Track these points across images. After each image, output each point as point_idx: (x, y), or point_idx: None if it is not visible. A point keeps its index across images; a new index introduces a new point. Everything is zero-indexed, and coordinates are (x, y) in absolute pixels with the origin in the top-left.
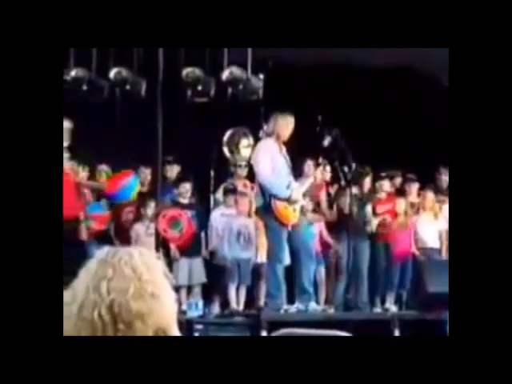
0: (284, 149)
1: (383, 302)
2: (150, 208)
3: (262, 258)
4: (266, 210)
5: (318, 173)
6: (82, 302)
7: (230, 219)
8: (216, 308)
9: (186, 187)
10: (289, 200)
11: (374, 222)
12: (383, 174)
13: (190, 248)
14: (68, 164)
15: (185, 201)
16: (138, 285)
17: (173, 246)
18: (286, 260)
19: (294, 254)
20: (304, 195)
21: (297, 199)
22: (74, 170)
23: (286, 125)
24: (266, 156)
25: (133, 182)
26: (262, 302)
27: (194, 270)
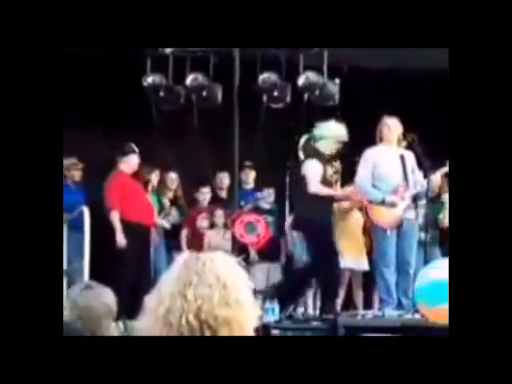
0: (400, 151)
1: None
2: (219, 216)
3: (343, 262)
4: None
5: None
6: (168, 308)
7: None
8: (292, 313)
9: (268, 193)
10: (384, 204)
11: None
12: None
13: (269, 253)
14: (142, 170)
15: (267, 206)
16: (222, 292)
17: (252, 250)
18: (390, 264)
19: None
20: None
21: (392, 203)
22: (144, 176)
23: (387, 127)
24: (365, 163)
25: None
26: (339, 306)
27: (271, 275)
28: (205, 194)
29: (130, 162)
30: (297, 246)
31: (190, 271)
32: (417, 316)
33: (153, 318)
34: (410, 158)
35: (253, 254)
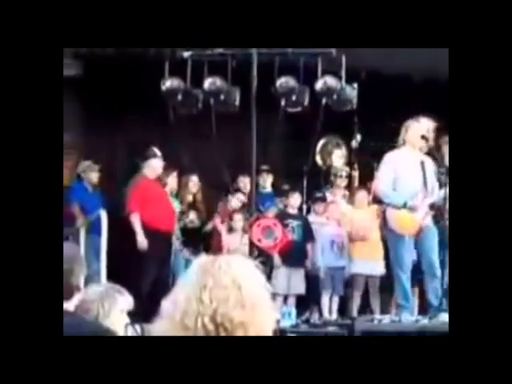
0: (421, 156)
1: None
2: (238, 220)
3: (355, 267)
4: (382, 220)
5: None
6: (184, 311)
7: (322, 228)
8: (309, 317)
9: (295, 197)
10: (403, 210)
11: None
12: None
13: (293, 258)
14: (164, 175)
15: (293, 211)
16: (237, 295)
17: (276, 254)
18: (407, 269)
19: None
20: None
21: (413, 209)
22: (161, 179)
23: (411, 131)
24: (385, 167)
25: None
26: (355, 311)
27: (293, 280)
28: (239, 200)
29: (152, 166)
30: (316, 252)
31: (205, 274)
32: (437, 321)
33: (169, 322)
34: (430, 164)
35: (276, 257)
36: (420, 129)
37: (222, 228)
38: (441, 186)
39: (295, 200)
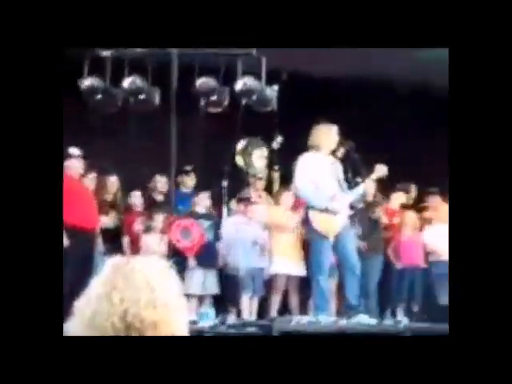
0: (332, 159)
1: (393, 314)
2: (158, 221)
3: (275, 268)
4: (305, 222)
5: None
6: (95, 310)
7: (244, 228)
8: (228, 318)
9: (204, 197)
10: (327, 211)
11: (384, 234)
12: (398, 186)
13: (206, 258)
14: (86, 174)
15: (202, 211)
16: (149, 295)
17: (190, 255)
18: (326, 271)
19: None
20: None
21: (336, 210)
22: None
23: (325, 135)
24: (304, 169)
25: None
26: (274, 312)
27: (208, 280)
28: (136, 198)
29: (72, 166)
30: (236, 253)
31: (117, 274)
32: (355, 321)
33: (80, 321)
34: (339, 167)
35: (190, 259)
36: (330, 132)
37: (139, 228)
38: (354, 185)
39: (202, 199)
